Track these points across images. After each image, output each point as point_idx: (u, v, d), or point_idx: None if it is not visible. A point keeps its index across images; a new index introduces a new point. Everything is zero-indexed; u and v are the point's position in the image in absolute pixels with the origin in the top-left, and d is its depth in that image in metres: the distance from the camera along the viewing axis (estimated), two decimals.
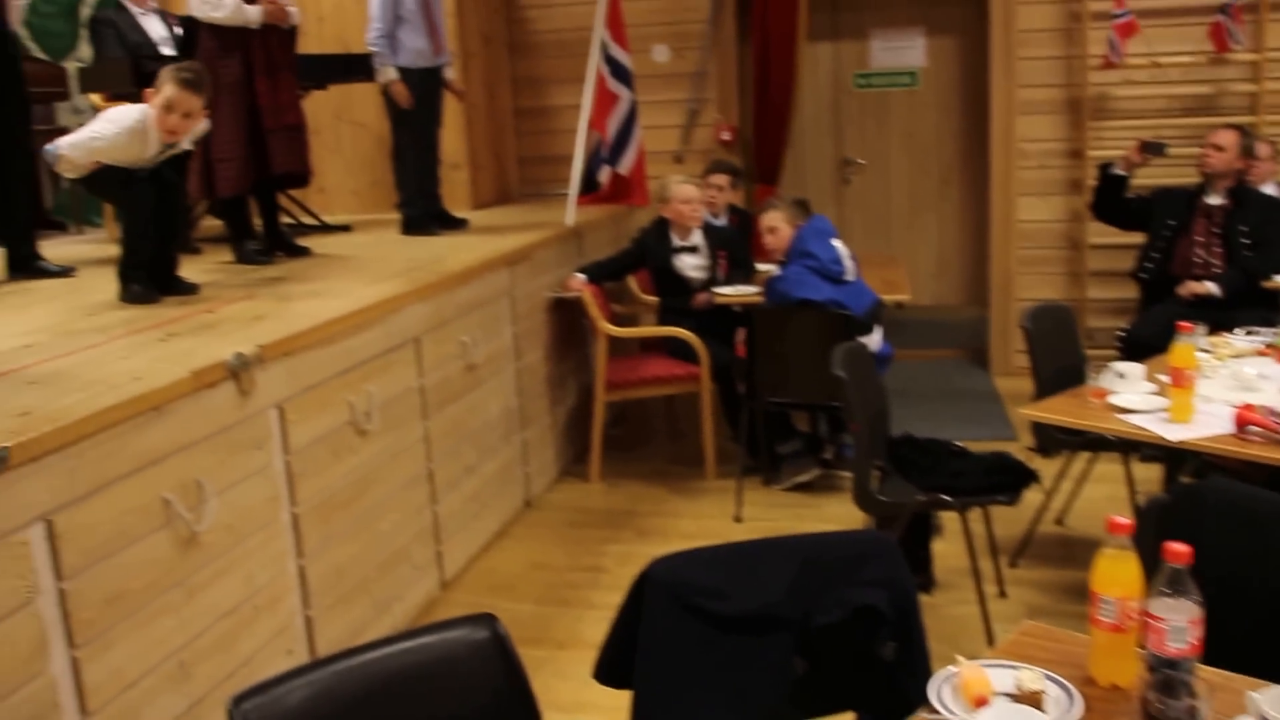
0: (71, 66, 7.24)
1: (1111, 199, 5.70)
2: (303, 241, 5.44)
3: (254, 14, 4.88)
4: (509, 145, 7.60)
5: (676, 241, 5.67)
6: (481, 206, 6.94)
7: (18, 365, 3.17)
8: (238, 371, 3.11)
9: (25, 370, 3.11)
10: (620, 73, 6.54)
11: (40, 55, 7.27)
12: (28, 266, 4.96)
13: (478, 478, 4.75)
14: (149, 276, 4.16)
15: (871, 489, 3.80)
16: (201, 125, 4.23)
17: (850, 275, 5.08)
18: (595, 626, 4.03)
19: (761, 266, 5.82)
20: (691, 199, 5.63)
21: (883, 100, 7.59)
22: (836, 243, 5.13)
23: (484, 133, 7.14)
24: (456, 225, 5.92)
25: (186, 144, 4.23)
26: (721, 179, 6.27)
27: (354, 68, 6.18)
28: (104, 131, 4.00)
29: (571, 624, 4.15)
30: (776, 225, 5.22)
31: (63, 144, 4.02)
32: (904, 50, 7.50)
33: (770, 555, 2.27)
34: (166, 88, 3.97)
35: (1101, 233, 6.37)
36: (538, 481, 5.42)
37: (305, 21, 6.75)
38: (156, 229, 4.20)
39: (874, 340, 5.02)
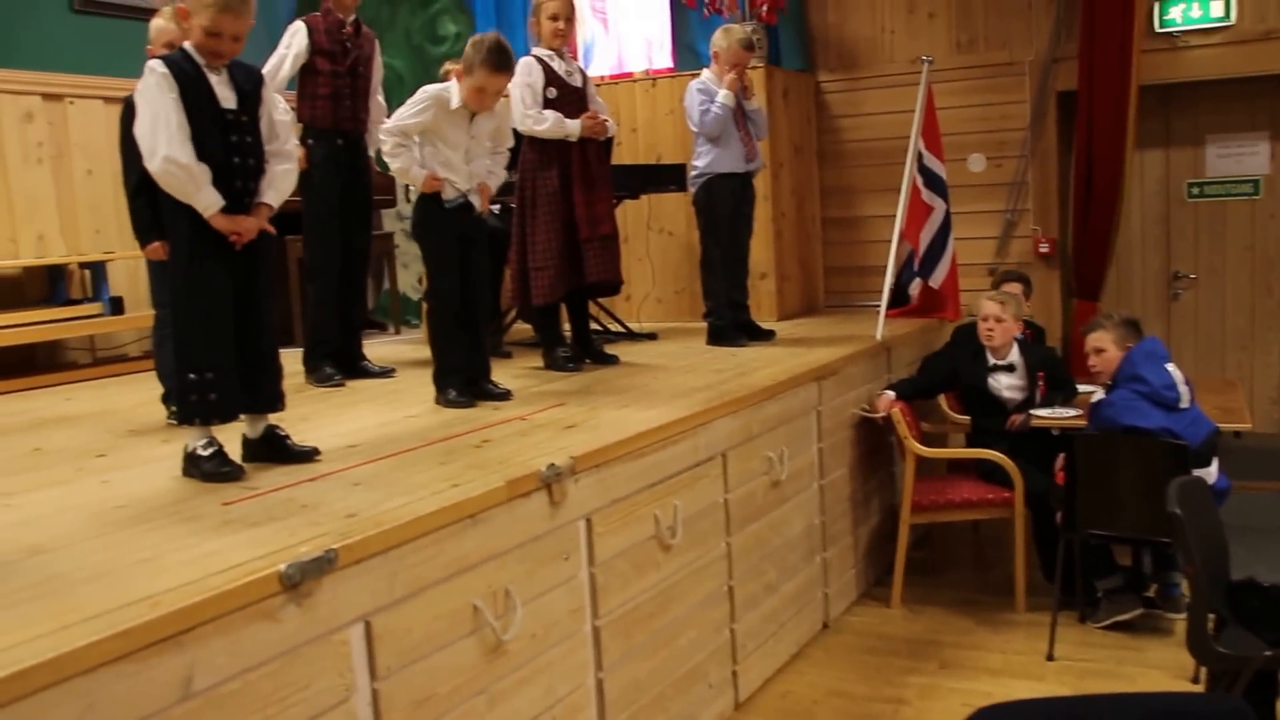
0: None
1: None
2: (610, 349, 5.56)
3: (574, 128, 5.09)
4: (816, 255, 7.61)
5: (991, 360, 5.48)
6: (787, 317, 6.95)
7: (344, 465, 3.35)
8: (550, 482, 3.17)
9: (350, 471, 3.28)
10: (935, 183, 6.44)
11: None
12: (354, 367, 5.29)
13: (777, 597, 4.66)
14: (463, 382, 4.35)
15: (1208, 638, 3.49)
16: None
17: (1185, 402, 4.75)
18: None
19: (1083, 387, 5.55)
20: (988, 315, 5.46)
21: (1219, 210, 7.16)
22: (1170, 367, 4.82)
23: (792, 242, 7.17)
24: (763, 336, 5.93)
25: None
26: (1014, 288, 6.05)
27: (666, 177, 6.34)
28: (410, 103, 4.34)
29: None
30: (1104, 346, 4.96)
31: (386, 123, 4.37)
32: (1245, 157, 7.08)
33: (1107, 713, 2.10)
34: (478, 73, 4.25)
35: None
36: (837, 603, 5.27)
37: (619, 132, 7.03)
38: (465, 331, 4.40)
39: (1211, 473, 4.67)
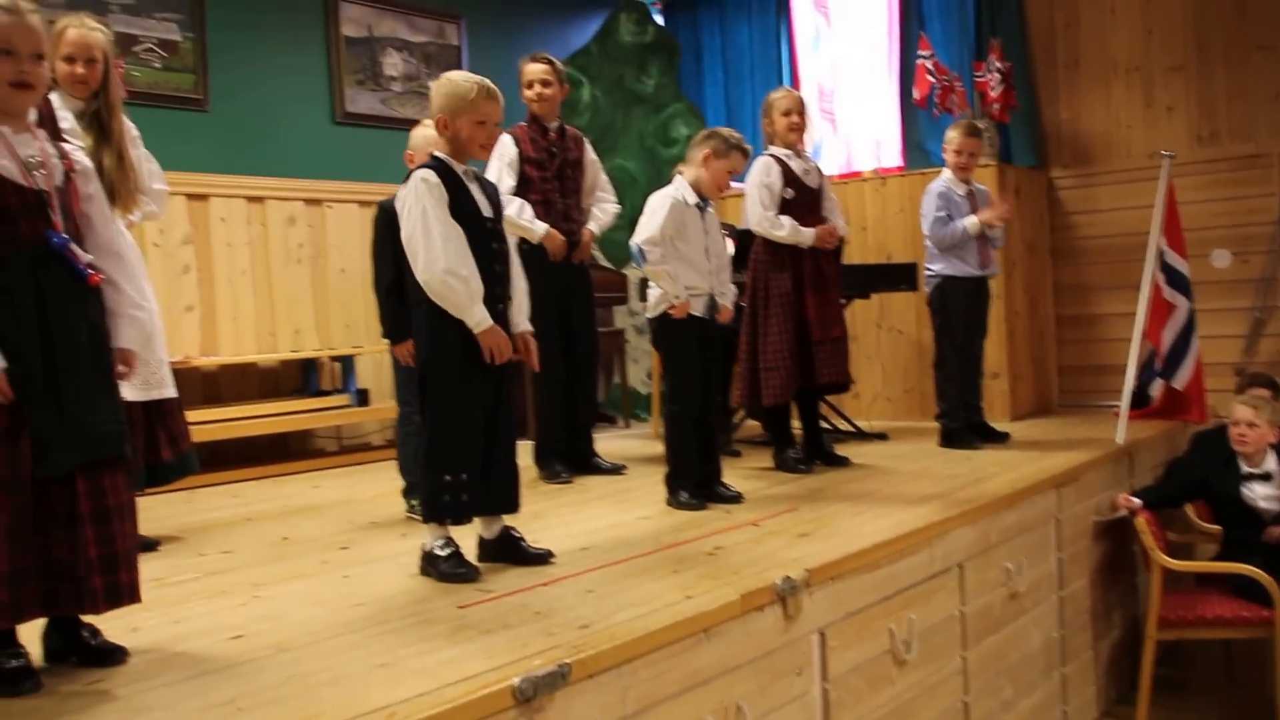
0: (631, 275, 7.75)
1: None
2: (839, 449, 5.36)
3: (808, 238, 4.95)
4: (1050, 354, 7.24)
5: (1245, 468, 5.03)
6: (1020, 417, 6.60)
7: (577, 570, 3.25)
8: (785, 595, 2.99)
9: (583, 577, 3.18)
10: (1177, 280, 6.03)
11: (605, 263, 7.86)
12: (585, 463, 5.23)
13: (1013, 715, 4.32)
14: (695, 484, 4.23)
15: None
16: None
17: None
18: None
19: None
20: (1240, 420, 5.02)
21: None
22: None
23: (1025, 341, 6.85)
24: (997, 439, 5.61)
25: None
26: (1263, 393, 5.56)
27: (896, 277, 6.14)
28: (649, 215, 4.29)
29: None
30: None
31: (637, 238, 4.31)
32: None
33: None
34: (734, 157, 4.33)
35: None
36: None
37: (849, 231, 6.86)
38: (699, 434, 4.29)
39: None
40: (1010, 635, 4.28)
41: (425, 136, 4.13)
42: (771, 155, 5.06)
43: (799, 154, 5.11)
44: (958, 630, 3.91)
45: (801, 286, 4.96)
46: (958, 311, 5.55)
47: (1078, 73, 7.19)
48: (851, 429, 6.16)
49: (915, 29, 7.39)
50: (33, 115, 2.57)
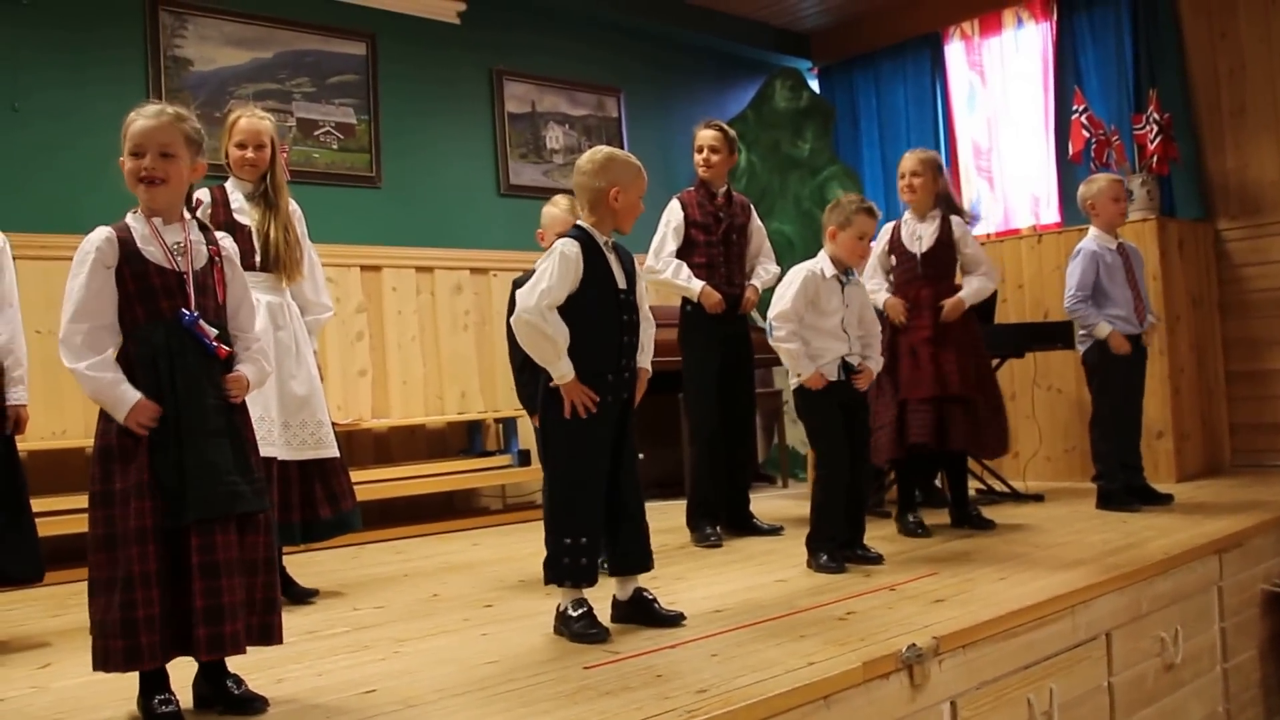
0: None
1: None
2: (993, 511, 5.17)
3: (880, 301, 4.91)
4: (1220, 412, 6.85)
5: None
6: (1187, 478, 6.25)
7: (706, 633, 3.20)
8: (911, 664, 2.88)
9: (711, 640, 3.13)
10: None
11: (763, 324, 7.83)
12: (743, 523, 5.18)
13: None
14: (836, 546, 4.13)
15: None
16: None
17: None
18: None
19: None
20: None
21: None
22: None
23: (1191, 399, 6.50)
24: (1160, 501, 5.31)
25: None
26: None
27: (1052, 335, 5.92)
28: (784, 288, 4.26)
29: None
30: None
31: (770, 311, 4.27)
32: None
33: None
34: (859, 220, 4.20)
35: None
36: None
37: (1004, 289, 6.68)
38: (847, 497, 4.20)
39: None
40: (1166, 708, 4.02)
41: (554, 216, 4.23)
42: (894, 223, 5.08)
43: (919, 216, 5.02)
44: (1105, 702, 3.69)
45: (921, 343, 4.84)
46: (1117, 369, 5.26)
47: (1244, 121, 6.84)
48: (1007, 490, 5.94)
49: (1071, 84, 7.18)
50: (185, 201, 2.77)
